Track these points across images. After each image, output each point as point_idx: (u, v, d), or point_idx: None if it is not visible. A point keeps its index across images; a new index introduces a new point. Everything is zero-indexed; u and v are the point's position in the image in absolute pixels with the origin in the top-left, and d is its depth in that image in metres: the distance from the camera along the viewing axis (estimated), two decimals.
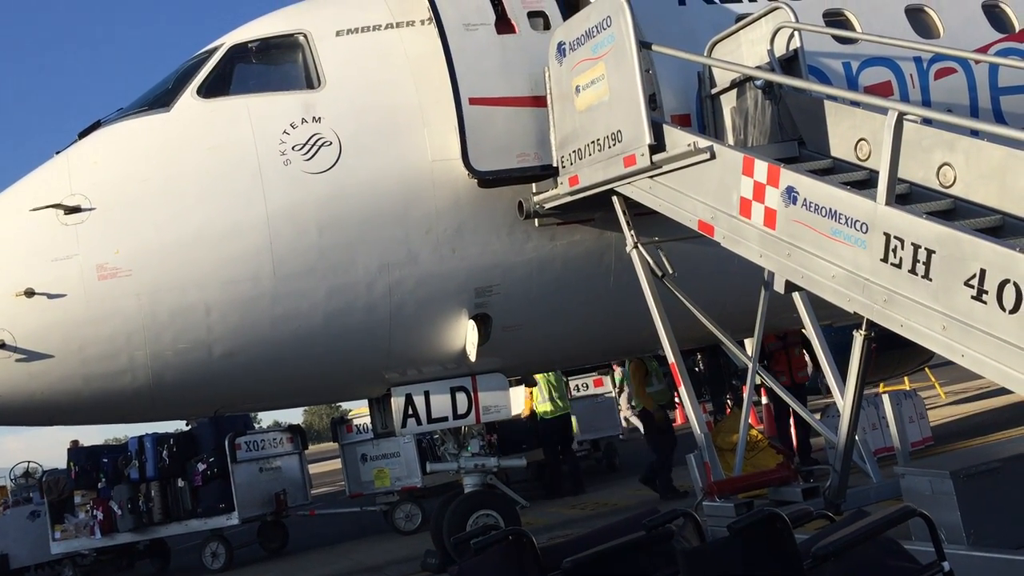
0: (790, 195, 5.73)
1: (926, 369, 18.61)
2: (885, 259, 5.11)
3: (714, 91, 8.04)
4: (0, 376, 7.37)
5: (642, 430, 14.31)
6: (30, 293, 7.32)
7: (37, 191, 7.70)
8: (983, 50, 9.47)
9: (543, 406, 15.41)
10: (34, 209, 7.51)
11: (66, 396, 7.62)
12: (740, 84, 7.73)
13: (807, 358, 13.22)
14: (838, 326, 9.90)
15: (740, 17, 8.26)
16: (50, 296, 7.36)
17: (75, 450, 15.10)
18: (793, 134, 7.31)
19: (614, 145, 7.16)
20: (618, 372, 18.71)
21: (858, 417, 7.06)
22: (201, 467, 13.84)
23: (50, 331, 7.37)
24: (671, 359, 7.53)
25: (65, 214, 7.48)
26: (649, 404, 13.09)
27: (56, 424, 8.43)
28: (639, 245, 7.59)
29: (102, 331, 7.46)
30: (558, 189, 7.95)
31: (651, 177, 6.97)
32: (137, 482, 13.91)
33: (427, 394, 8.77)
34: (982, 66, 9.20)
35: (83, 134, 8.12)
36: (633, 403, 14.14)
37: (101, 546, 14.22)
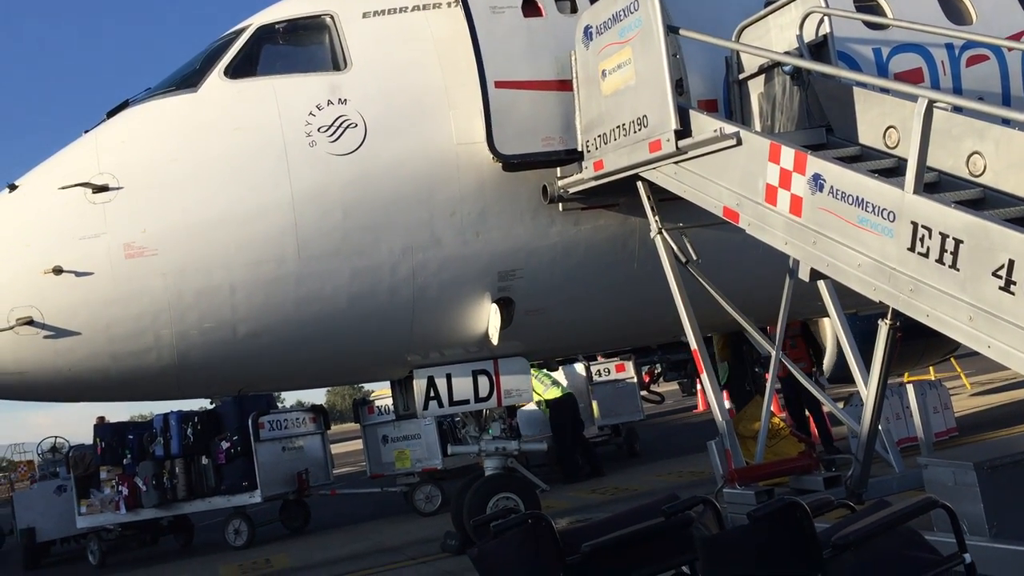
0: (817, 182, 5.69)
1: (952, 359, 18.45)
2: (912, 248, 5.06)
3: (742, 76, 7.97)
4: (28, 352, 7.47)
5: None
6: (58, 271, 7.39)
7: (66, 169, 7.76)
8: (1016, 37, 9.34)
9: (551, 392, 15.38)
10: (63, 187, 7.56)
11: (93, 373, 7.71)
12: (768, 70, 7.66)
13: (809, 350, 13.18)
14: (863, 315, 9.84)
15: (770, 2, 8.17)
16: (78, 274, 7.43)
17: (101, 426, 15.29)
18: (821, 121, 7.24)
19: (640, 130, 7.12)
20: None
21: (882, 407, 7.01)
22: (225, 445, 13.97)
23: (77, 309, 7.45)
24: (693, 346, 7.51)
25: (93, 193, 7.53)
26: None
27: (82, 401, 8.53)
28: (663, 231, 7.56)
29: (129, 310, 7.53)
30: (583, 174, 7.92)
31: (676, 163, 6.93)
32: (162, 459, 14.06)
33: (449, 377, 8.81)
34: (1015, 54, 9.07)
35: (111, 113, 8.18)
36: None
37: (126, 521, 14.38)
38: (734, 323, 7.98)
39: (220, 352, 7.89)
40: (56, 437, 20.58)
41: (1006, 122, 5.69)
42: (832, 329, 11.34)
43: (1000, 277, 4.58)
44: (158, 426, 14.30)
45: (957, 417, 13.91)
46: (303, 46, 8.44)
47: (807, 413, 13.10)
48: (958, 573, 3.96)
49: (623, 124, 7.31)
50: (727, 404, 11.42)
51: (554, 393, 15.44)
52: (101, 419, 16.13)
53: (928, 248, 4.96)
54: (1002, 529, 5.45)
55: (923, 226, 5.00)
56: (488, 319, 8.38)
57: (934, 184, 5.85)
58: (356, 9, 8.31)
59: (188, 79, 8.19)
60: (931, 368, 18.12)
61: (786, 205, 5.92)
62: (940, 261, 4.89)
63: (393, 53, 8.24)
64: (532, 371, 14.84)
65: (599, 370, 17.82)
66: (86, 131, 8.16)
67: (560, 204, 8.27)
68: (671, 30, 6.97)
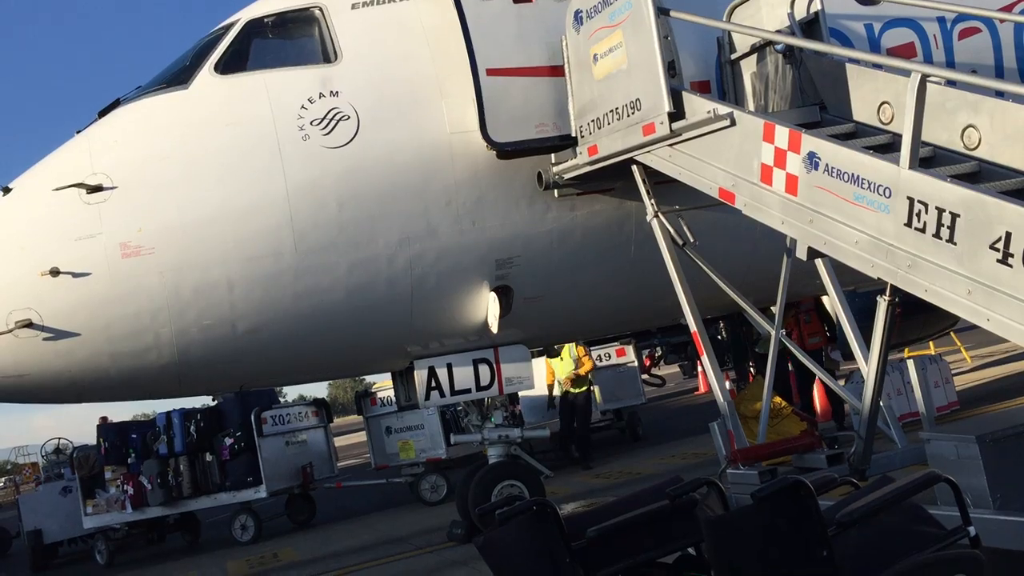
0: (812, 161, 5.67)
1: (951, 333, 18.48)
2: (909, 224, 5.05)
3: (734, 56, 7.95)
4: (28, 355, 7.47)
5: None
6: (55, 272, 7.38)
7: (59, 171, 7.74)
8: (1008, 9, 9.30)
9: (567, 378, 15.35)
10: (57, 189, 7.55)
11: (93, 374, 7.71)
12: (760, 49, 7.63)
13: (823, 325, 13.18)
14: (862, 291, 9.83)
15: None
16: (75, 275, 7.42)
17: (104, 426, 15.30)
18: (814, 98, 7.22)
19: (633, 113, 7.10)
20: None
21: (883, 383, 7.02)
22: (228, 441, 14.00)
23: (76, 310, 7.45)
24: (693, 328, 7.51)
25: (87, 193, 7.52)
26: None
27: (84, 401, 8.52)
28: (659, 214, 7.55)
29: (127, 309, 7.53)
30: (577, 159, 7.90)
31: (671, 145, 6.91)
32: (166, 457, 14.09)
33: (450, 366, 8.82)
34: (1007, 25, 9.03)
35: (103, 113, 8.15)
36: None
37: (132, 520, 14.44)
38: (733, 304, 7.97)
39: (220, 348, 7.89)
40: (59, 438, 20.62)
41: (1000, 94, 5.67)
42: (831, 307, 11.34)
43: (997, 250, 4.57)
44: (161, 424, 14.32)
45: (958, 391, 13.94)
46: (293, 39, 8.41)
47: (814, 389, 13.12)
48: (963, 546, 3.97)
49: (616, 108, 7.29)
50: (728, 385, 11.43)
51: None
52: (104, 419, 16.13)
53: (925, 223, 4.95)
54: (1006, 501, 5.44)
55: (919, 201, 4.98)
56: (487, 307, 8.38)
57: (929, 159, 5.84)
58: (345, 0, 8.27)
59: (178, 76, 8.16)
60: (931, 343, 18.14)
61: (782, 184, 5.91)
62: (937, 236, 4.89)
63: (383, 44, 8.21)
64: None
65: (600, 355, 17.84)
66: (78, 131, 8.13)
67: (555, 190, 8.25)
68: (661, 12, 6.93)
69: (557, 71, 7.98)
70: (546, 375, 15.56)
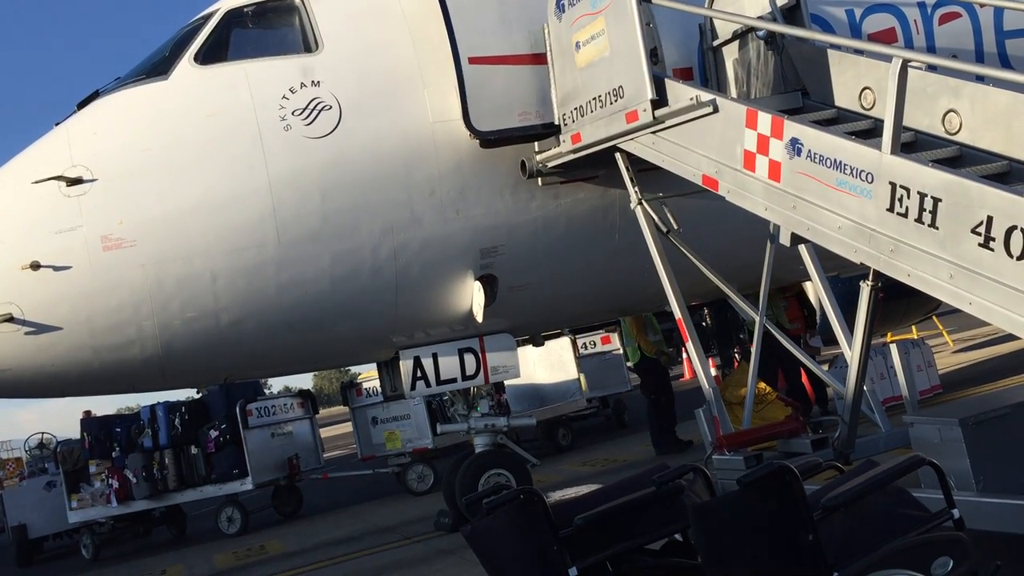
0: (794, 147, 5.68)
1: (934, 317, 18.62)
2: (891, 209, 5.06)
3: (716, 43, 7.95)
4: (10, 349, 7.41)
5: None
6: (36, 266, 7.32)
7: (38, 163, 7.66)
8: None
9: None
10: (36, 182, 7.48)
11: (76, 368, 7.66)
12: (742, 35, 7.64)
13: (803, 311, 13.23)
14: (845, 277, 9.88)
15: None
16: (56, 268, 7.36)
17: (88, 420, 15.23)
18: (796, 85, 7.23)
19: (616, 101, 7.09)
20: None
21: (866, 367, 7.05)
22: (213, 434, 13.96)
23: (57, 303, 7.39)
24: (677, 315, 7.52)
25: (67, 186, 7.45)
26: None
27: (67, 395, 8.47)
28: (643, 201, 7.55)
29: (109, 302, 7.48)
30: (560, 147, 7.89)
31: (654, 132, 6.90)
32: (151, 450, 14.04)
33: (435, 356, 8.80)
34: (987, 10, 9.06)
35: (82, 104, 8.08)
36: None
37: (118, 514, 14.38)
38: (718, 291, 7.99)
39: (204, 341, 7.85)
40: (43, 433, 20.52)
41: (980, 79, 5.70)
42: (815, 292, 11.39)
43: (979, 234, 4.59)
44: (145, 418, 14.27)
45: (941, 374, 14.05)
46: (273, 29, 8.35)
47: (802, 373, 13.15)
48: (947, 529, 4.00)
49: (599, 96, 7.28)
50: (713, 371, 11.45)
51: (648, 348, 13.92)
52: (87, 413, 16.07)
53: (907, 208, 4.97)
54: (988, 483, 5.49)
55: (901, 186, 5.00)
56: (472, 297, 8.37)
57: (911, 144, 5.86)
58: None
59: (158, 67, 8.09)
60: (913, 327, 18.27)
61: (765, 171, 5.92)
62: (919, 220, 4.90)
63: (364, 32, 8.17)
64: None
65: (585, 343, 17.86)
66: (57, 123, 8.06)
67: (539, 179, 8.24)
68: None
69: (539, 59, 7.96)
70: (635, 335, 13.89)
